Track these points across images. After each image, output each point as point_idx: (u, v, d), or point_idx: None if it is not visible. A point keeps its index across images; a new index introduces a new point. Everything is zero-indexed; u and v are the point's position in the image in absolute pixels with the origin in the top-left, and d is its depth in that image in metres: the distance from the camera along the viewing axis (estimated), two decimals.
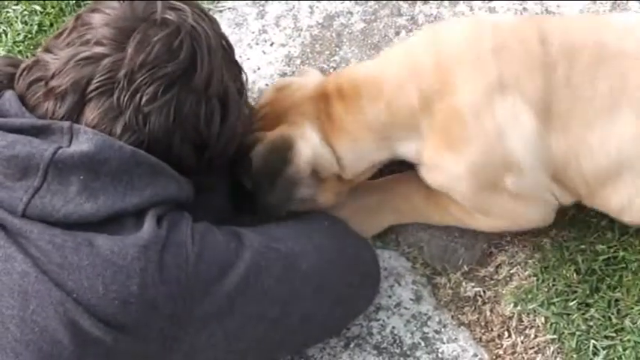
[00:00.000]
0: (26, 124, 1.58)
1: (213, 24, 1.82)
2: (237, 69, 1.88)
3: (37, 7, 2.46)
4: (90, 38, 1.65)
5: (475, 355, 2.02)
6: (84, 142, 1.56)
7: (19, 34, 2.44)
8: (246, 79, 1.95)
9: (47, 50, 1.69)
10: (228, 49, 1.84)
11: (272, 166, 1.86)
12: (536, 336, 2.03)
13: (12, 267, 1.50)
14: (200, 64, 1.70)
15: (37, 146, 1.54)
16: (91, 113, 1.62)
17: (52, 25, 2.43)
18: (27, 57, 2.27)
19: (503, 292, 2.09)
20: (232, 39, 2.21)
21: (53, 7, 2.45)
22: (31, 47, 2.41)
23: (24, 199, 1.51)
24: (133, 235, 1.55)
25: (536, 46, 1.87)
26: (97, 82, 1.62)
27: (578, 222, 2.13)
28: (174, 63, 1.66)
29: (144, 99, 1.63)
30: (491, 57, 1.86)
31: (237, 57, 1.98)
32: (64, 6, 2.44)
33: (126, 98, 1.62)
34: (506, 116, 1.85)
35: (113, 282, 1.51)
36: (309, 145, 1.87)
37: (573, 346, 2.00)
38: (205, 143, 1.74)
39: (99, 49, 1.64)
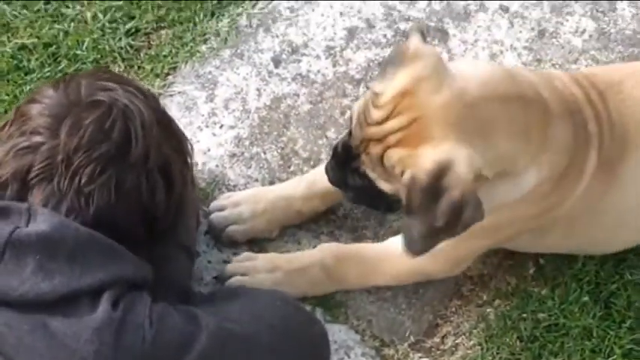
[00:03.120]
0: None
1: (148, 98, 1.82)
2: (178, 139, 1.88)
3: None
4: (27, 128, 1.69)
5: None
6: (41, 222, 1.57)
7: None
8: (192, 147, 1.95)
9: None
10: (165, 122, 1.85)
11: (431, 197, 1.71)
12: None
13: None
14: (135, 141, 1.71)
15: None
16: (35, 199, 1.64)
17: (6, 111, 2.41)
18: None
19: None
20: (183, 122, 2.29)
21: (7, 95, 2.45)
22: None
23: None
24: (87, 317, 1.55)
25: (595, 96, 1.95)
26: (36, 170, 1.65)
27: (519, 292, 2.17)
28: (108, 143, 1.67)
29: (83, 180, 1.65)
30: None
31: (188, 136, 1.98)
32: (18, 93, 2.45)
33: (66, 182, 1.64)
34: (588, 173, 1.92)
35: None
36: (466, 165, 1.68)
37: None
38: (153, 215, 1.75)
39: (36, 138, 1.67)
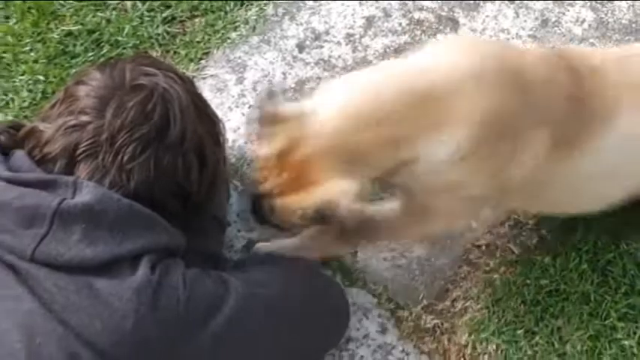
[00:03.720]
0: (35, 178, 1.64)
1: (185, 83, 1.86)
2: (211, 121, 1.92)
3: (41, 77, 2.51)
4: (75, 108, 1.72)
5: None
6: (86, 194, 1.61)
7: (24, 100, 2.49)
8: (224, 127, 2.00)
9: (42, 120, 1.77)
10: (200, 105, 1.88)
11: (314, 232, 1.79)
12: None
13: (21, 306, 1.55)
14: (173, 123, 1.75)
15: (45, 197, 1.60)
16: (81, 173, 1.67)
17: (54, 92, 2.45)
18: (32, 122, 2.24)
19: (459, 323, 2.18)
20: (214, 103, 2.33)
21: (55, 77, 2.50)
22: (36, 112, 2.40)
23: (32, 245, 1.57)
24: (128, 279, 1.60)
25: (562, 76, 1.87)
26: (83, 147, 1.68)
27: (523, 260, 2.21)
28: (149, 124, 1.72)
29: (125, 158, 1.68)
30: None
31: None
32: (64, 75, 2.50)
33: (109, 159, 1.68)
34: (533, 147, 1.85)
35: (110, 320, 1.56)
36: (352, 196, 1.72)
37: None
38: (187, 191, 1.80)
39: (83, 118, 1.70)
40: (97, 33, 2.60)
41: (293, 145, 1.76)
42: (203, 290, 1.69)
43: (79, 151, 1.69)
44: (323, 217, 1.75)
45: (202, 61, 2.57)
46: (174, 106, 1.77)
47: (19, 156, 1.72)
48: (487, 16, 2.65)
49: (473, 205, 1.99)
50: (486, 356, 2.13)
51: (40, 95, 2.50)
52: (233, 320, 1.70)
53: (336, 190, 1.73)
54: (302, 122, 1.77)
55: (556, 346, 2.11)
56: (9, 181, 1.63)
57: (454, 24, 2.63)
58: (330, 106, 1.79)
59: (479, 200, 1.97)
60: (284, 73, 2.53)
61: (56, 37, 2.59)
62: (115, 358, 1.57)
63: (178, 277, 1.66)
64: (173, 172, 1.76)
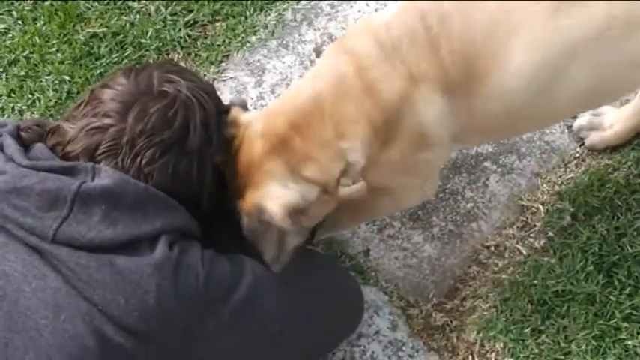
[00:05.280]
0: (55, 165, 1.65)
1: (208, 92, 1.84)
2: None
3: (67, 77, 2.55)
4: (99, 111, 1.73)
5: None
6: (105, 178, 1.63)
7: (50, 100, 2.52)
8: None
9: (67, 120, 1.77)
10: (220, 112, 1.86)
11: (257, 234, 1.80)
12: (496, 359, 2.12)
13: (46, 284, 1.56)
14: (193, 130, 1.75)
15: (65, 181, 1.60)
16: None
17: (79, 92, 2.51)
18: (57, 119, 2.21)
19: (468, 321, 2.19)
20: None
21: (80, 77, 2.53)
22: (61, 111, 2.46)
23: (54, 226, 1.57)
24: (148, 256, 1.60)
25: (421, 30, 1.77)
26: (103, 148, 1.69)
27: (530, 261, 2.22)
28: (170, 130, 1.72)
29: (144, 161, 1.69)
30: (396, 56, 1.78)
31: None
32: (89, 76, 2.53)
33: (128, 161, 1.69)
34: (424, 105, 1.80)
35: (133, 296, 1.57)
36: (277, 202, 1.76)
37: None
38: (199, 195, 1.80)
39: (106, 121, 1.71)
40: (121, 35, 2.63)
41: (240, 146, 1.82)
42: (221, 268, 1.71)
43: (99, 152, 1.70)
44: (257, 228, 1.78)
45: (222, 64, 2.60)
46: (195, 114, 1.77)
47: (39, 147, 1.73)
48: None
49: (431, 164, 1.98)
50: (494, 354, 2.14)
51: (65, 95, 2.54)
52: (251, 297, 1.72)
53: (263, 192, 1.78)
54: (249, 130, 1.83)
55: (561, 344, 2.11)
56: (30, 168, 1.64)
57: None
58: (267, 110, 1.87)
59: (434, 161, 1.97)
60: (301, 77, 2.52)
61: (82, 39, 2.63)
62: (139, 333, 1.59)
63: (197, 256, 1.67)
64: (188, 176, 1.77)
